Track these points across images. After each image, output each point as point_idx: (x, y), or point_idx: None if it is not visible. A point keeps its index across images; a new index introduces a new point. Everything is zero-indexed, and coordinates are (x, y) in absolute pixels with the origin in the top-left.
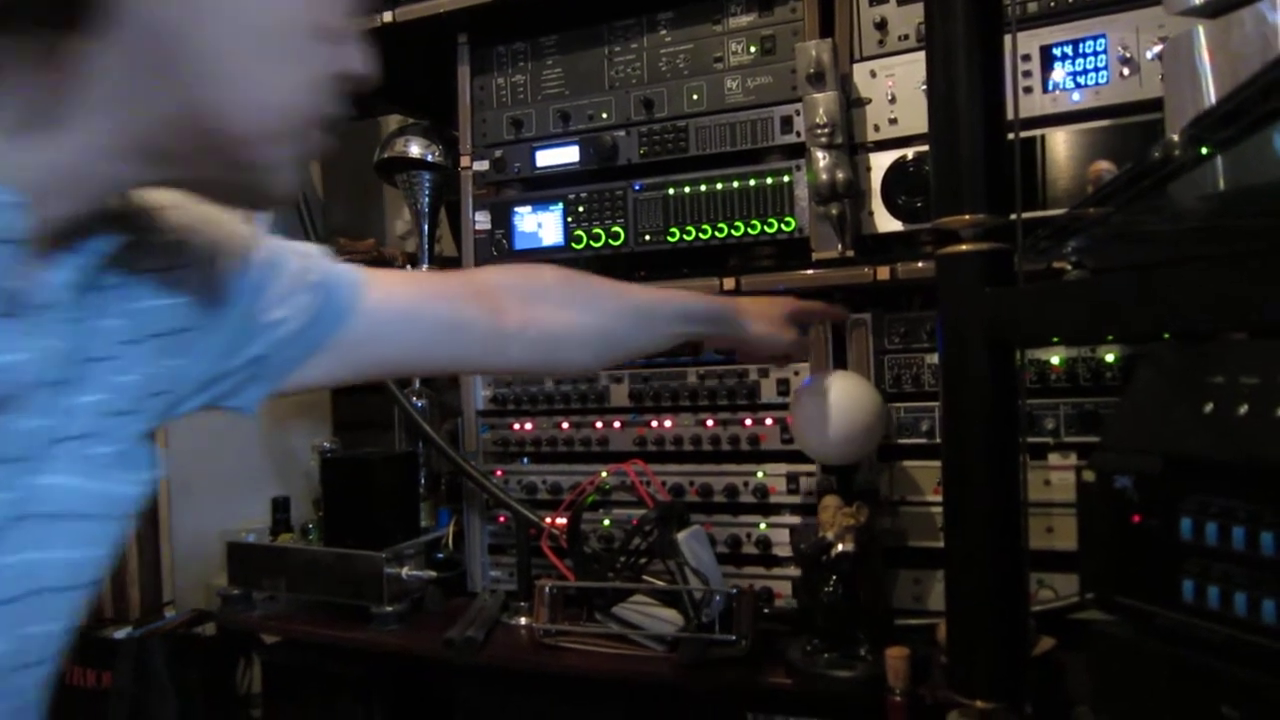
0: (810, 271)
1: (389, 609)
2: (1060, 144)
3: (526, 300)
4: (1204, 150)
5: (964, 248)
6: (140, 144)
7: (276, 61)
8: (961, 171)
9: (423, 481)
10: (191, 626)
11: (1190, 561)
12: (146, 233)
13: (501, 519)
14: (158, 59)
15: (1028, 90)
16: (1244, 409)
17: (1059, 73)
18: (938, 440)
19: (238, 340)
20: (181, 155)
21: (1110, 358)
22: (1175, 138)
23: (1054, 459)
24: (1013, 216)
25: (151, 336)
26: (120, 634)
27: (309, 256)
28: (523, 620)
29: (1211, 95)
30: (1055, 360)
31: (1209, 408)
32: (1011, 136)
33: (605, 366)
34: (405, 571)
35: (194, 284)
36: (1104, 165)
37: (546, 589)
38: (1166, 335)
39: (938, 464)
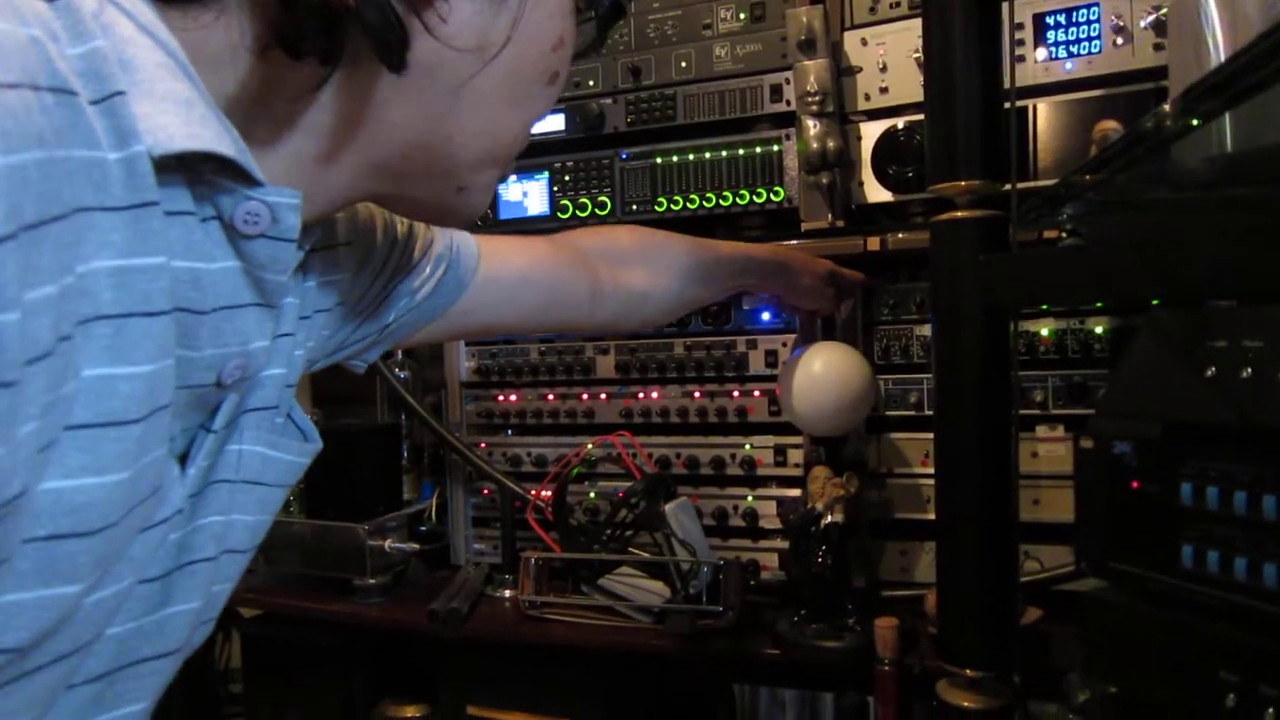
0: (799, 242)
1: (371, 581)
2: (1051, 114)
3: (615, 264)
4: (1194, 121)
5: (959, 215)
6: (376, 162)
7: (519, 103)
8: (957, 137)
9: (405, 454)
10: None
11: (1190, 527)
12: None
13: (485, 491)
14: (432, 97)
15: (1020, 59)
16: (1247, 372)
17: (1051, 42)
18: (926, 412)
19: (380, 312)
20: (403, 173)
21: (1100, 329)
22: (1167, 107)
23: (1042, 431)
24: (1007, 187)
25: (316, 311)
26: None
27: (437, 228)
28: (507, 593)
29: (1221, 55)
30: (1044, 332)
31: (1211, 372)
32: (1007, 105)
33: (659, 324)
34: (388, 544)
35: (351, 261)
36: (1110, 125)
37: (532, 561)
38: (1156, 302)
39: (926, 436)
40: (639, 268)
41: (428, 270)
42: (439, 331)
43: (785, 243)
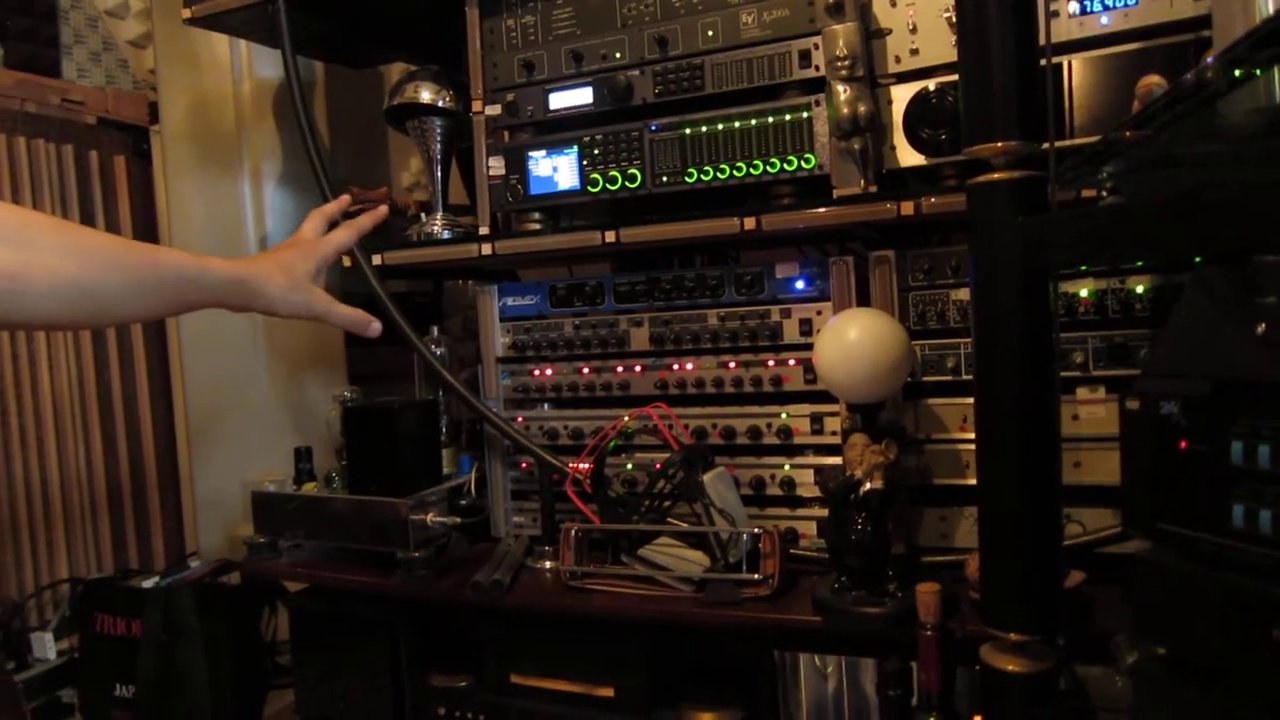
0: (831, 209)
1: (414, 555)
2: (1087, 70)
3: None
4: (1237, 72)
5: (996, 176)
6: None
7: None
8: (993, 97)
9: (443, 429)
10: (217, 576)
11: (1241, 486)
12: None
13: (523, 465)
14: None
15: (1053, 14)
16: None
17: None
18: (963, 377)
19: None
20: None
21: (1140, 289)
22: (1210, 64)
23: (1082, 393)
24: (1045, 145)
25: None
26: (148, 583)
27: None
28: (548, 564)
29: (1269, 4)
30: (1084, 293)
31: (1261, 328)
32: (1043, 62)
33: (87, 326)
34: (429, 518)
35: None
36: (1154, 80)
37: (572, 532)
38: (1198, 259)
39: (963, 401)
40: (7, 244)
41: None
42: None
43: (818, 210)
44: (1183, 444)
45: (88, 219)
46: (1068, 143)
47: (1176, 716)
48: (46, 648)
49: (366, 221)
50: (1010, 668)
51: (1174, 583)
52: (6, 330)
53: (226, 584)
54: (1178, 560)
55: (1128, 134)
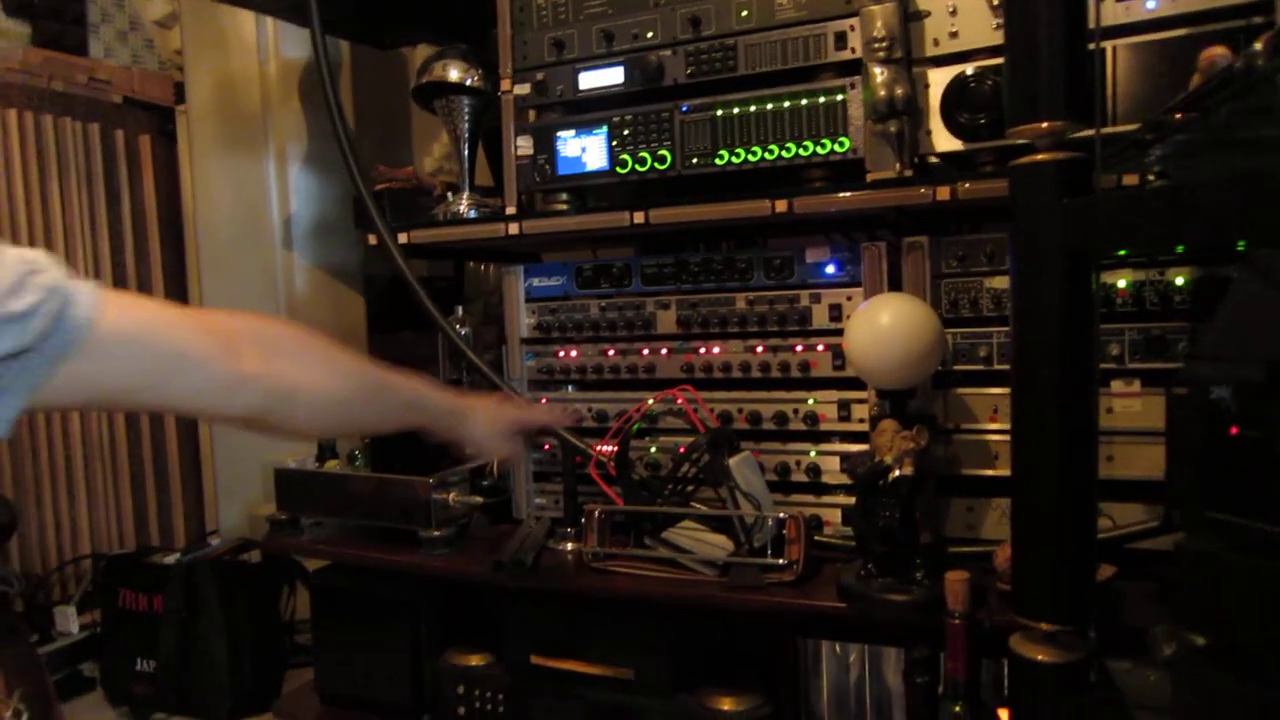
0: (865, 193)
1: (436, 534)
2: (1130, 56)
3: (265, 349)
4: None
5: (1040, 157)
6: None
7: None
8: (1039, 77)
9: None
10: (237, 553)
11: None
12: None
13: (546, 446)
14: None
15: None
16: None
17: None
18: (995, 366)
19: None
20: None
21: (1180, 280)
22: (1259, 60)
23: (1117, 385)
24: (1090, 131)
25: None
26: (170, 560)
27: (34, 261)
28: (569, 545)
29: None
30: (1121, 284)
31: None
32: (1092, 46)
33: (327, 438)
34: (451, 498)
35: None
36: (1219, 51)
37: (596, 513)
38: (1242, 246)
39: (993, 391)
40: (293, 361)
41: (30, 296)
42: (71, 387)
43: (850, 194)
44: (1234, 430)
45: (113, 198)
46: (1111, 129)
47: (1217, 707)
48: (69, 622)
49: (567, 418)
50: (1040, 658)
51: (1221, 572)
52: (267, 436)
53: (247, 562)
54: (1225, 549)
55: (1178, 116)
